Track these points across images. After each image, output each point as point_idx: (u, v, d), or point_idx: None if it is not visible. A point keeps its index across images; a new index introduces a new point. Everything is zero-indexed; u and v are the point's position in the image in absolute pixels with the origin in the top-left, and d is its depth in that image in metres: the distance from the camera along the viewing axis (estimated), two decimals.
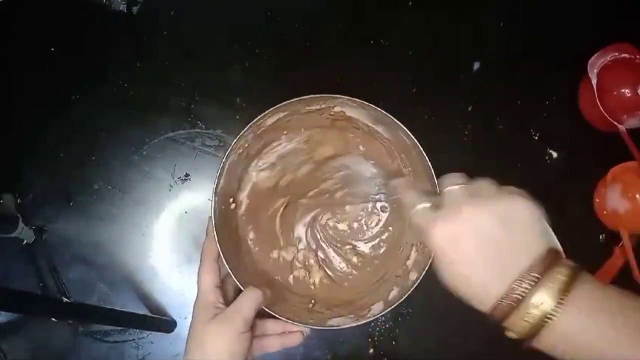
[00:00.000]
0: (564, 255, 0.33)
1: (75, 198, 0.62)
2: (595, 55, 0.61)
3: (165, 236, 0.62)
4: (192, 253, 0.62)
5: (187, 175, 0.63)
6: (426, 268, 0.49)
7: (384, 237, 0.59)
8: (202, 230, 0.61)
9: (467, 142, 0.65)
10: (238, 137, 0.50)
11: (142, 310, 0.61)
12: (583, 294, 0.30)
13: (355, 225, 0.59)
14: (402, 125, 0.50)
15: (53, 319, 0.59)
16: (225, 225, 0.53)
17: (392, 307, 0.49)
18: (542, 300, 0.30)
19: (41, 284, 0.60)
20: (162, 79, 0.64)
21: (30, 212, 0.61)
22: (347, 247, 0.58)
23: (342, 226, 0.59)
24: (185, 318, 0.61)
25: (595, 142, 0.64)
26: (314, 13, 0.66)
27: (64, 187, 0.62)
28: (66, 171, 0.63)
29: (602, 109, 0.59)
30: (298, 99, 0.50)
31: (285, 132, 0.57)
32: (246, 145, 0.53)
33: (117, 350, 0.61)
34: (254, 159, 0.57)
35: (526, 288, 0.31)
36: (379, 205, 0.59)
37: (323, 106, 0.53)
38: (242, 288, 0.47)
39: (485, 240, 0.33)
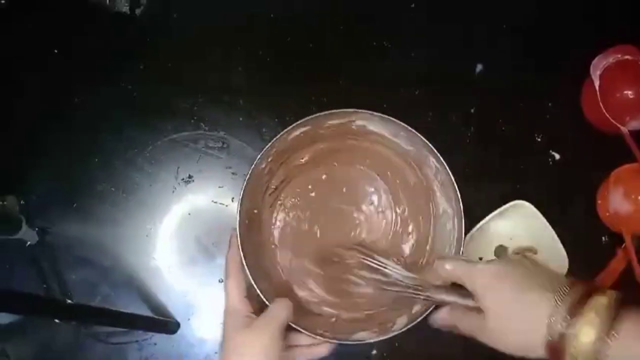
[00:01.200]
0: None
1: (78, 200, 0.62)
2: (598, 57, 0.61)
3: (168, 238, 0.62)
4: (195, 255, 0.62)
5: (190, 177, 0.63)
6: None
7: (411, 251, 0.58)
8: (205, 231, 0.61)
9: (470, 144, 0.65)
10: (261, 153, 0.49)
11: (145, 312, 0.61)
12: (632, 322, 0.31)
13: (385, 242, 0.58)
14: (425, 140, 0.50)
15: (56, 321, 0.59)
16: (249, 238, 0.52)
17: (417, 320, 0.48)
18: (590, 334, 0.31)
19: (44, 286, 0.60)
20: (165, 80, 0.64)
21: (33, 214, 0.61)
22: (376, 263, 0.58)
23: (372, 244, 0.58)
24: (189, 319, 0.61)
25: (598, 144, 0.64)
26: (317, 14, 0.66)
27: (67, 188, 0.63)
28: (69, 173, 0.63)
29: (604, 111, 0.59)
30: (322, 113, 0.50)
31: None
32: (269, 159, 0.53)
33: (120, 351, 0.61)
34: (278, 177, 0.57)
35: (564, 324, 0.33)
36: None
37: (343, 121, 0.53)
38: (267, 302, 0.47)
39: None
